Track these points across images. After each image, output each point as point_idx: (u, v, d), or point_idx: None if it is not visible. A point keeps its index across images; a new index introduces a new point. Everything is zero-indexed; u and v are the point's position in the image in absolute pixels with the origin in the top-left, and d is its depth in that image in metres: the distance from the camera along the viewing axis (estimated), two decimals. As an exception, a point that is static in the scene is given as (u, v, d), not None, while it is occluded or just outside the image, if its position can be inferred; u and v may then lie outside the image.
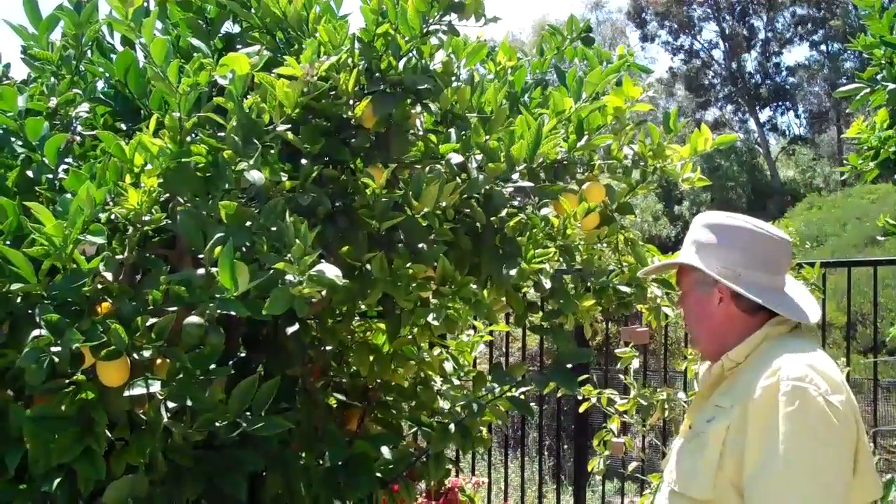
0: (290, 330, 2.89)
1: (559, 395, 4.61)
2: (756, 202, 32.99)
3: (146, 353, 2.09)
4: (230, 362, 2.75)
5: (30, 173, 2.39)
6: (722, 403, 2.28)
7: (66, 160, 2.50)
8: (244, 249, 2.22)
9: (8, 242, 2.07)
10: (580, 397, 4.40)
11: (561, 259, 3.02)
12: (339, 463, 2.87)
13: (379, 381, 3.25)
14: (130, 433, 2.29)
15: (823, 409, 2.10)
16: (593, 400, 4.45)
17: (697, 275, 2.43)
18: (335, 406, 3.25)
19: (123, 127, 2.74)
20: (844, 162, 4.93)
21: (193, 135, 2.32)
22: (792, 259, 2.49)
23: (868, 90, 4.33)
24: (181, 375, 2.17)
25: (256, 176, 2.26)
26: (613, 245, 3.38)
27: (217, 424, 2.21)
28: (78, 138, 2.60)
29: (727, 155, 35.02)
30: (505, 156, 2.75)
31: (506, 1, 17.72)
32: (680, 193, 31.11)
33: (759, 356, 2.30)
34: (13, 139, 2.48)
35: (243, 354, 2.91)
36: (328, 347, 3.16)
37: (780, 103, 42.26)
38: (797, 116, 43.45)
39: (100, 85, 2.82)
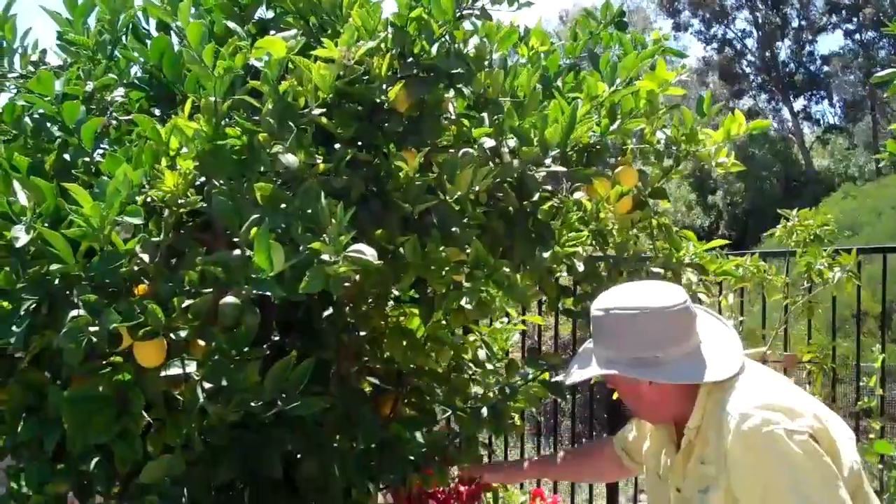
0: (325, 314, 2.90)
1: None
2: (790, 191, 32.72)
3: (182, 334, 2.11)
4: (264, 347, 2.77)
5: (66, 157, 2.41)
6: (709, 472, 2.36)
7: (102, 145, 2.52)
8: (279, 232, 2.22)
9: (46, 224, 2.09)
10: (613, 384, 4.39)
11: (594, 243, 3.01)
12: (373, 446, 2.88)
13: (413, 366, 3.25)
14: (167, 414, 2.31)
15: (786, 441, 2.18)
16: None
17: None
18: (369, 392, 3.25)
19: (158, 112, 2.76)
20: (881, 148, 4.89)
21: (228, 118, 2.33)
22: (693, 316, 2.50)
23: (905, 75, 4.29)
24: (217, 356, 2.19)
25: (291, 159, 2.27)
26: (647, 232, 3.36)
27: (252, 405, 2.22)
28: (114, 122, 2.62)
29: (761, 144, 34.69)
30: (538, 140, 2.75)
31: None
32: (714, 182, 30.92)
33: (712, 413, 2.36)
34: (50, 124, 2.50)
35: (277, 338, 2.92)
36: (362, 333, 3.17)
37: (814, 92, 41.84)
38: (832, 105, 43.00)
39: (134, 71, 2.84)
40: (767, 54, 41.01)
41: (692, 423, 2.41)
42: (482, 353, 3.48)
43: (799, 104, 41.90)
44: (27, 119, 2.55)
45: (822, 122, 42.60)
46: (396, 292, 3.12)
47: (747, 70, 42.45)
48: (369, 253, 2.09)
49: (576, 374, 2.57)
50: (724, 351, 2.45)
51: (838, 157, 37.13)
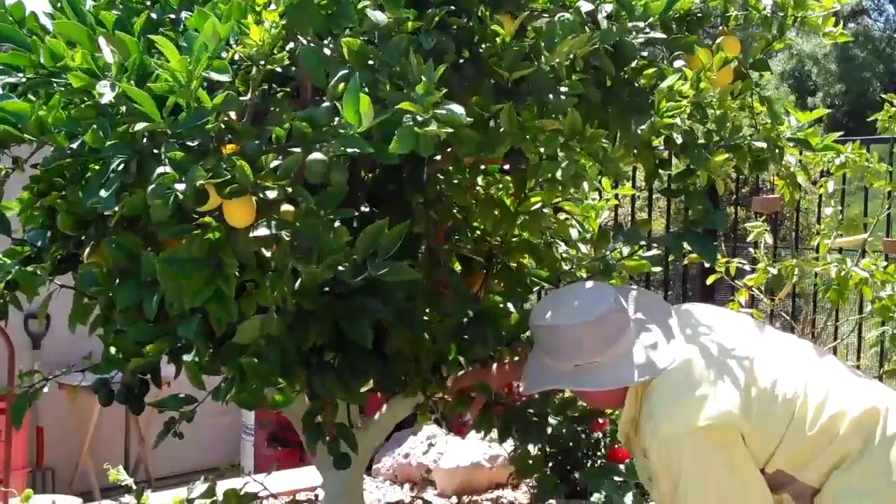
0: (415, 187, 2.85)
1: (685, 263, 4.53)
2: (892, 93, 31.61)
3: (271, 194, 2.07)
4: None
5: (153, 15, 2.37)
6: (649, 465, 2.52)
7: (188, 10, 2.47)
8: (366, 90, 2.16)
9: (132, 81, 2.06)
10: (706, 265, 4.31)
11: (694, 114, 2.89)
12: (464, 320, 2.85)
13: (503, 243, 3.19)
14: (259, 275, 2.29)
15: (690, 444, 2.37)
16: (721, 272, 4.35)
17: None
18: (459, 271, 3.21)
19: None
20: None
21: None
22: (624, 312, 2.60)
23: None
24: (306, 217, 2.15)
25: (379, 15, 2.21)
26: (748, 108, 3.21)
27: (342, 268, 2.19)
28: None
29: (864, 45, 33.47)
30: (639, 4, 2.63)
31: None
32: (813, 84, 30.01)
33: (641, 412, 2.50)
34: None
35: (367, 210, 2.89)
36: (453, 210, 3.11)
37: (922, -12, 40.15)
38: (941, 3, 41.30)
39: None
40: (873, -51, 39.37)
41: (624, 418, 2.56)
42: (574, 233, 3.42)
43: (905, 2, 40.24)
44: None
45: (929, 20, 40.88)
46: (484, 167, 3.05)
47: (851, -34, 40.84)
48: (459, 111, 2.03)
49: (527, 386, 2.72)
50: (655, 343, 2.53)
51: (945, 57, 35.66)
